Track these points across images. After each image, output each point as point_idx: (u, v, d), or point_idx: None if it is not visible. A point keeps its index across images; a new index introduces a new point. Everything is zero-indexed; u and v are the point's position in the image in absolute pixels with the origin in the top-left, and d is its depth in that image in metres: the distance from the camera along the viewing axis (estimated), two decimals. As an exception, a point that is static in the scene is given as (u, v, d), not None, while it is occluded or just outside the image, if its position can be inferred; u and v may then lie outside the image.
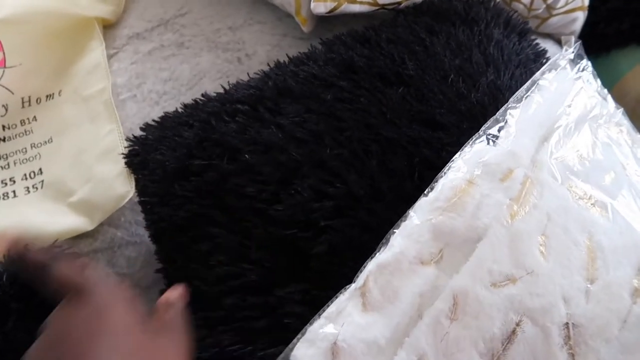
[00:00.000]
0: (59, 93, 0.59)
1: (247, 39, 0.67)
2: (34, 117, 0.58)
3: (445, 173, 0.36)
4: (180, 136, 0.45)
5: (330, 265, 0.36)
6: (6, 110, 0.56)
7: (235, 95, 0.47)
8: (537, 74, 0.46)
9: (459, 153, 0.37)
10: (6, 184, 0.55)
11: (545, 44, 0.60)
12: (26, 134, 0.57)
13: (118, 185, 0.55)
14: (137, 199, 0.56)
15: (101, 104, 0.59)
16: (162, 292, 0.50)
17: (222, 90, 0.50)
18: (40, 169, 0.56)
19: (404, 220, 0.35)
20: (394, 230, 0.35)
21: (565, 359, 0.32)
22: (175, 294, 0.35)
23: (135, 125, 0.60)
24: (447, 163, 0.39)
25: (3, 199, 0.54)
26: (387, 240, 0.35)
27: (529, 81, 0.45)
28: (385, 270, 0.33)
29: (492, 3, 0.54)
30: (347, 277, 0.36)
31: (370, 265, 0.34)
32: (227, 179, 0.41)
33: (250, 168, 0.41)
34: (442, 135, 0.40)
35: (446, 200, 0.35)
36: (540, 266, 0.33)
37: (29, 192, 0.55)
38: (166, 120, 0.49)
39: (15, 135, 0.57)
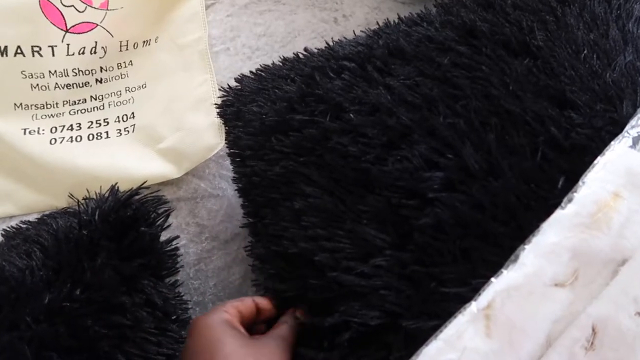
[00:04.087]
0: (156, 40, 0.59)
1: (345, -1, 0.65)
2: (130, 61, 0.58)
3: (584, 182, 0.32)
4: (281, 89, 0.44)
5: (435, 240, 0.34)
6: (105, 52, 0.57)
7: (342, 52, 0.44)
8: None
9: (599, 157, 0.33)
10: (100, 124, 0.56)
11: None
12: (122, 78, 0.58)
13: (208, 136, 0.54)
14: (222, 153, 0.56)
15: (196, 53, 0.59)
16: (245, 248, 0.49)
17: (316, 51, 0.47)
18: (132, 113, 0.57)
19: (536, 235, 0.31)
20: (525, 246, 0.31)
21: None
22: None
23: (226, 78, 0.59)
24: (575, 145, 0.35)
25: (97, 138, 0.56)
26: (516, 257, 0.31)
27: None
28: (515, 292, 0.30)
29: (632, -24, 0.48)
30: (452, 254, 0.33)
31: (498, 285, 0.30)
32: (329, 137, 0.39)
33: (355, 128, 0.39)
34: (572, 114, 0.36)
35: (589, 215, 0.31)
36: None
37: (120, 134, 0.56)
38: (265, 72, 0.48)
39: (112, 78, 0.58)
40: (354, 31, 0.49)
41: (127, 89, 0.58)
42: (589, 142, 0.35)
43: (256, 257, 0.43)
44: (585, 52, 0.40)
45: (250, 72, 0.49)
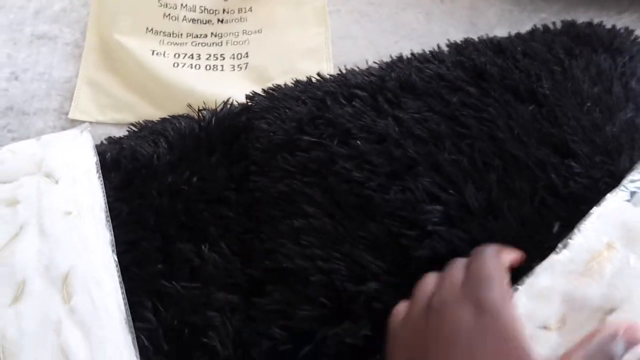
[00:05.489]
0: None
1: (454, -20, 0.68)
2: (250, 8, 0.65)
3: (580, 230, 0.33)
4: (292, 110, 0.45)
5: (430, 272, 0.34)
6: None
7: (354, 80, 0.45)
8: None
9: (595, 207, 0.34)
10: (217, 58, 0.63)
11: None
12: (241, 21, 0.65)
13: None
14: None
15: (312, 9, 0.65)
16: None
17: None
18: (247, 53, 0.63)
19: (529, 277, 0.32)
20: (518, 287, 0.32)
21: None
22: None
23: (334, 37, 0.64)
24: (573, 193, 0.36)
25: (213, 70, 0.62)
26: None
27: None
28: None
29: (632, 35, 0.50)
30: (445, 289, 0.34)
31: None
32: (335, 160, 0.40)
33: (361, 155, 0.39)
34: (572, 163, 0.37)
35: (583, 263, 0.31)
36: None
37: (234, 69, 0.62)
38: (276, 91, 0.48)
39: (232, 20, 0.65)
40: (372, 62, 0.50)
41: (244, 31, 0.64)
42: (586, 191, 0.36)
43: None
44: (589, 104, 0.41)
45: (262, 89, 0.50)
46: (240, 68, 0.62)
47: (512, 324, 0.28)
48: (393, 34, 0.64)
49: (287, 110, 0.45)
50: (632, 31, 0.51)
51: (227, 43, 0.63)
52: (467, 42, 0.48)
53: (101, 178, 0.42)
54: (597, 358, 0.27)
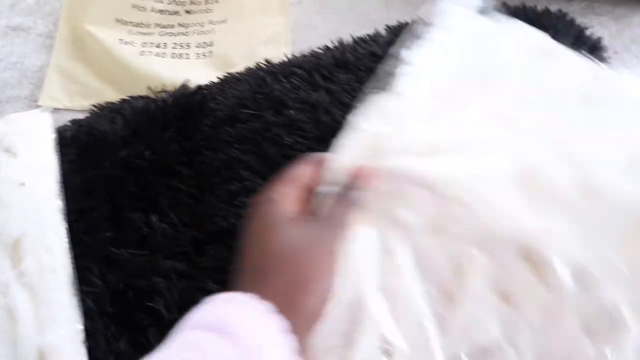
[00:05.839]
0: None
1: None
2: (216, 0, 0.68)
3: None
4: (237, 90, 0.48)
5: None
6: None
7: (295, 61, 0.49)
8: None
9: None
10: (182, 46, 0.66)
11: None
12: (207, 12, 0.68)
13: None
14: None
15: (275, 0, 0.67)
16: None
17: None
18: (211, 42, 0.66)
19: None
20: None
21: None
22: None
23: (296, 27, 0.66)
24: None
25: (178, 58, 0.65)
26: None
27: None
28: None
29: (566, 16, 0.53)
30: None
31: None
32: (269, 129, 0.43)
33: (293, 123, 0.42)
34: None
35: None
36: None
37: (198, 57, 0.65)
38: (227, 79, 0.52)
39: (198, 11, 0.68)
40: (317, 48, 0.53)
41: (210, 21, 0.67)
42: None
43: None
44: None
45: (217, 77, 0.53)
46: (205, 56, 0.65)
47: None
48: (353, 24, 0.66)
49: (233, 91, 0.48)
50: (565, 14, 0.54)
51: (193, 33, 0.66)
52: (402, 24, 0.51)
53: (57, 152, 0.45)
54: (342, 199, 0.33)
